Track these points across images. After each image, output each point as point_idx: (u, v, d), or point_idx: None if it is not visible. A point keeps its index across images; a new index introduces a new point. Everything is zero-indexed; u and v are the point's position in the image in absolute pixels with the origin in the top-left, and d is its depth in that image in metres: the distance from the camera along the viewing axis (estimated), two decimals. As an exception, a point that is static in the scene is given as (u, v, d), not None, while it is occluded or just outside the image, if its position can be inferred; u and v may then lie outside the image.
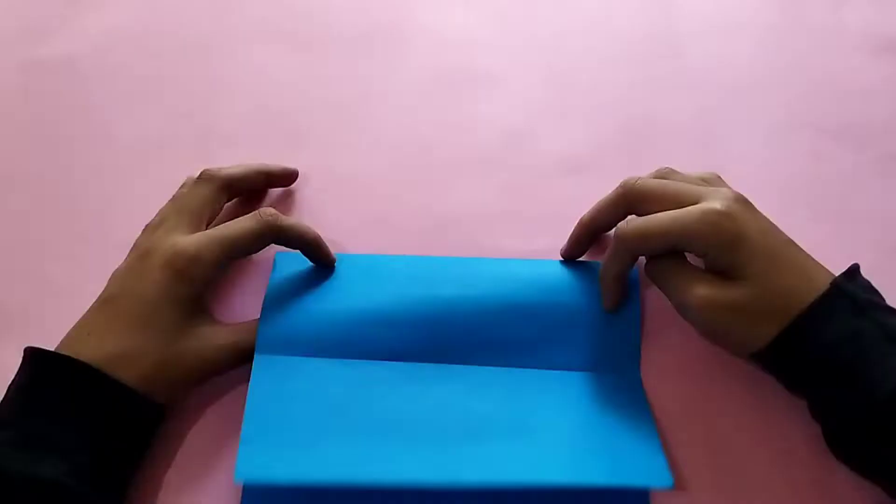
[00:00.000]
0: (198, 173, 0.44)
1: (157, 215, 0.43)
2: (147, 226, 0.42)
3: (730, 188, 0.39)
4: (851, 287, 0.35)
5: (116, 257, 0.45)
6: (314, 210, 0.47)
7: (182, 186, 0.44)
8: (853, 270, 0.37)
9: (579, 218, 0.43)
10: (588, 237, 0.43)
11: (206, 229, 0.42)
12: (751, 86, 0.51)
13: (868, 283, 0.37)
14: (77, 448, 0.33)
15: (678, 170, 0.41)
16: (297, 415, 0.37)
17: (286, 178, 0.48)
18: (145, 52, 0.53)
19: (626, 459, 0.36)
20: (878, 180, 0.47)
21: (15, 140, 0.50)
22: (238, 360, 0.40)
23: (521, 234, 0.46)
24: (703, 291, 0.36)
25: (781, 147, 0.49)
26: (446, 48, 0.53)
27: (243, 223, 0.40)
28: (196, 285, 0.39)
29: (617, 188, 0.40)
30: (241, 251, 0.41)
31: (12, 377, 0.41)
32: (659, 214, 0.37)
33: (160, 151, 0.49)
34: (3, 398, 0.35)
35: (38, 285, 0.45)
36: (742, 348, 0.38)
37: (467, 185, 0.48)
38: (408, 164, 0.49)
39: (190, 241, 0.39)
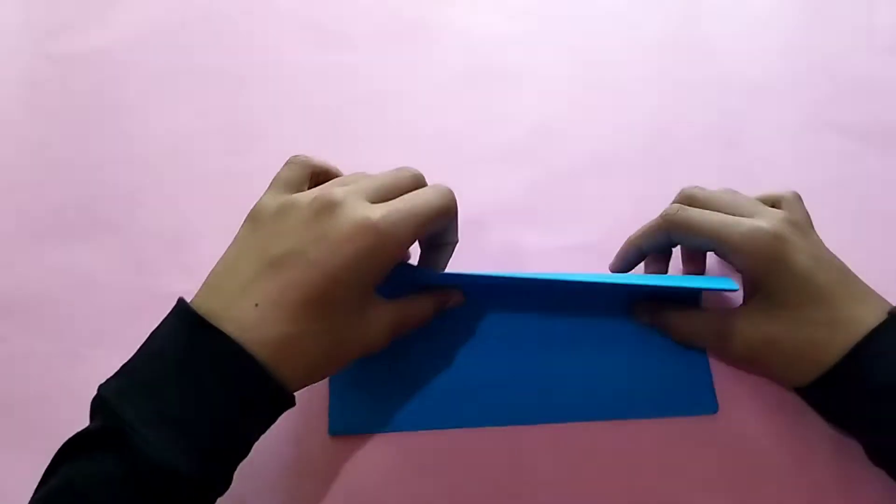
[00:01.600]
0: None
1: (328, 176, 0.38)
2: (329, 182, 0.37)
3: (789, 211, 0.37)
4: None
5: (145, 246, 0.46)
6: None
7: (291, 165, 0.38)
8: None
9: (627, 237, 0.42)
10: (635, 255, 0.42)
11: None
12: (778, 86, 0.51)
13: None
14: (213, 435, 0.30)
15: (737, 190, 0.40)
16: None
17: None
18: (176, 45, 0.54)
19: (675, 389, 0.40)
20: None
21: (48, 131, 0.51)
22: (393, 337, 0.36)
23: (548, 231, 0.46)
24: (738, 322, 0.36)
25: (808, 147, 0.49)
26: (474, 45, 0.53)
27: (429, 197, 0.34)
28: (386, 267, 0.33)
29: (658, 216, 0.39)
30: (428, 232, 0.35)
31: (47, 364, 0.42)
32: (711, 214, 0.37)
33: (190, 143, 0.50)
34: (154, 352, 0.32)
35: (68, 274, 0.46)
36: (784, 382, 0.36)
37: (494, 181, 0.48)
38: (435, 159, 0.48)
39: (384, 213, 0.32)
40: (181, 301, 0.33)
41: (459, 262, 0.45)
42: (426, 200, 0.34)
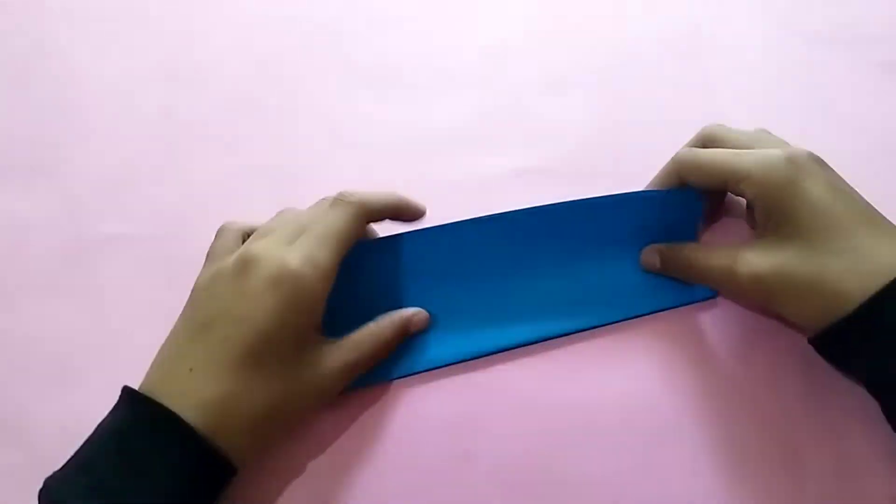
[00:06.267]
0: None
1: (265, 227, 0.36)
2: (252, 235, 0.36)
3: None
4: None
5: (80, 190, 0.44)
6: (289, 138, 0.46)
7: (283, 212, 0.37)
8: None
9: None
10: None
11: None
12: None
13: None
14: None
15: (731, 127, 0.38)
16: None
17: (415, 213, 0.38)
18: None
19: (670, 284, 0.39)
20: (874, 87, 0.45)
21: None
22: (348, 380, 0.35)
23: (503, 154, 0.44)
24: (746, 254, 0.33)
25: (775, 57, 0.47)
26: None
27: (336, 216, 0.34)
28: (317, 305, 0.33)
29: (668, 161, 0.38)
30: (347, 250, 0.35)
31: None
32: (720, 150, 0.35)
33: (124, 84, 0.48)
34: (94, 435, 0.31)
35: (1, 220, 0.44)
36: (799, 320, 0.33)
37: (446, 105, 0.46)
38: (384, 85, 0.47)
39: (299, 254, 0.33)
40: (125, 387, 0.32)
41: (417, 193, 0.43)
42: (336, 220, 0.34)
